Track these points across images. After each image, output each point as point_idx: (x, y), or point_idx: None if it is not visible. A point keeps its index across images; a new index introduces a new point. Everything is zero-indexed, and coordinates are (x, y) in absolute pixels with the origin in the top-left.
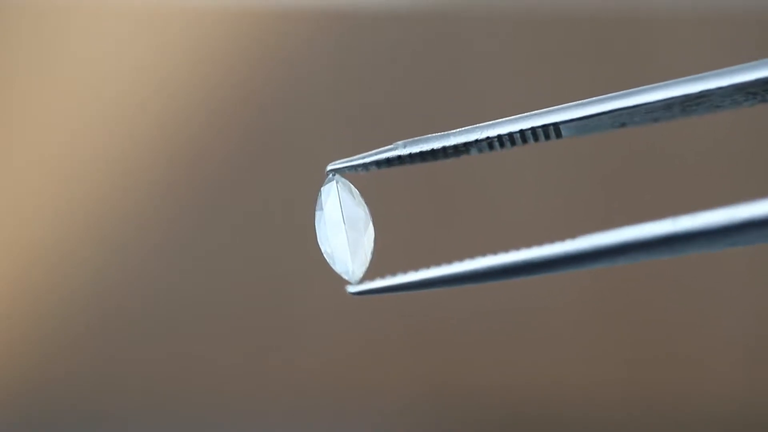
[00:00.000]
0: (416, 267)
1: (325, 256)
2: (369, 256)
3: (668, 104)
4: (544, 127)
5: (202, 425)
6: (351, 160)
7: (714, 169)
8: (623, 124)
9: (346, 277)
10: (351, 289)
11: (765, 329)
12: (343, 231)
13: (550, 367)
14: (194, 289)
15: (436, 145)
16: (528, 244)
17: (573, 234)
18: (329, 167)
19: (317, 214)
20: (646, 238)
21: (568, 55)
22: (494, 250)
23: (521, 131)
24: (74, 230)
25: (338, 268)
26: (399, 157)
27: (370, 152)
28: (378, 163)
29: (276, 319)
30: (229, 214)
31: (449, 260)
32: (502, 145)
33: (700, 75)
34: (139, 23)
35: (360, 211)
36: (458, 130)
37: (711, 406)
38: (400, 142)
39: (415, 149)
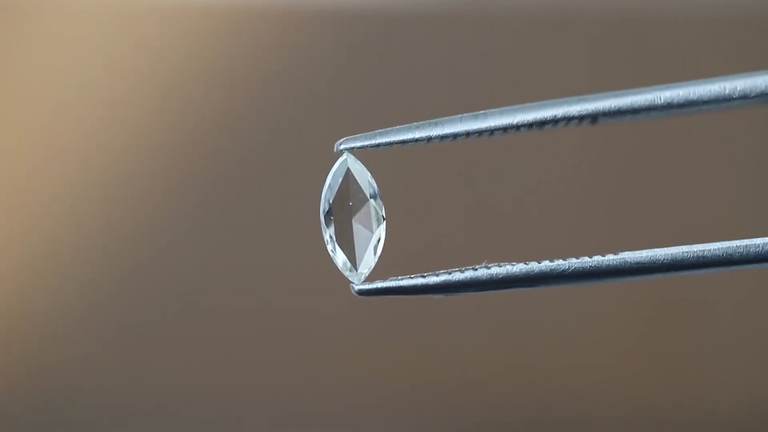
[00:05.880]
0: (429, 267)
1: (328, 250)
2: (376, 254)
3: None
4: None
5: (201, 425)
6: (366, 137)
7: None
8: None
9: (348, 275)
10: (355, 287)
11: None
12: (351, 223)
13: (550, 365)
14: (193, 288)
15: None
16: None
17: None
18: (341, 145)
19: (323, 198)
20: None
21: (568, 56)
22: (509, 251)
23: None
24: (69, 230)
25: (340, 264)
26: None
27: (391, 128)
28: (403, 142)
29: (273, 319)
30: (230, 213)
31: (466, 259)
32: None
33: None
34: (137, 21)
35: (371, 202)
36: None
37: (712, 405)
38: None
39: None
